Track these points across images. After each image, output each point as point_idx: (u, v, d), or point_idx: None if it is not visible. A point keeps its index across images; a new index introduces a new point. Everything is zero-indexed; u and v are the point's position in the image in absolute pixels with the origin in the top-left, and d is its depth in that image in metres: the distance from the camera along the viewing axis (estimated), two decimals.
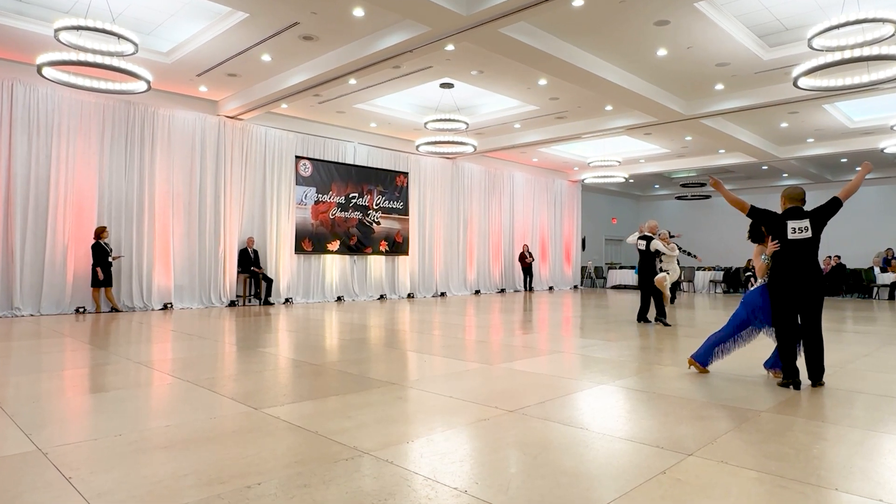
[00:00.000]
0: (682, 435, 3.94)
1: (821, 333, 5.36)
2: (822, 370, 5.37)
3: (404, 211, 18.65)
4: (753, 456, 3.55)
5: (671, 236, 11.69)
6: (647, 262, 10.58)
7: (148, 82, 10.14)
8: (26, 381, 5.68)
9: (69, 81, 10.17)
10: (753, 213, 5.64)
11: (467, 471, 3.29)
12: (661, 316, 10.45)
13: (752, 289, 5.90)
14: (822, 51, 8.99)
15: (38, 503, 2.87)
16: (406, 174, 18.73)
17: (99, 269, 12.15)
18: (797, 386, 5.29)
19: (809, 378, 5.41)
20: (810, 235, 5.29)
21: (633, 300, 16.47)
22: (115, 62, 9.21)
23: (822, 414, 4.56)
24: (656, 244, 10.48)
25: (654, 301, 10.54)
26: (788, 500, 2.92)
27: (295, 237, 15.96)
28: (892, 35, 8.33)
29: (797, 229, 5.32)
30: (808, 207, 5.48)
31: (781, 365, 5.46)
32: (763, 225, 5.66)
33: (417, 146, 15.69)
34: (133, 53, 9.26)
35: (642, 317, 10.72)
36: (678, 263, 10.48)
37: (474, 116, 15.82)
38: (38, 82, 11.78)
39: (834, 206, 5.33)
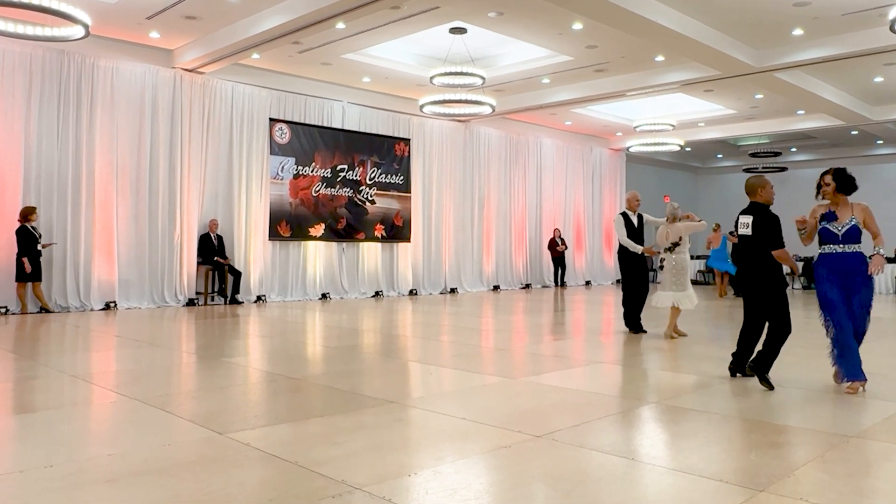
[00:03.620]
0: (752, 466, 3.92)
1: (761, 326, 6.35)
2: (760, 364, 6.09)
3: (405, 187, 18.62)
4: (841, 492, 3.52)
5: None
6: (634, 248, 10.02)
7: (86, 27, 10.11)
8: None
9: None
10: None
11: None
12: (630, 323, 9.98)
13: None
14: None
15: None
16: (407, 141, 18.69)
17: (26, 260, 12.15)
18: (732, 373, 6.52)
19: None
20: (750, 233, 6.31)
21: None
22: (44, 1, 9.19)
23: None
24: (616, 224, 10.03)
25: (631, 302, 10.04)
26: None
27: (269, 220, 15.95)
28: None
29: (743, 224, 6.39)
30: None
31: (735, 352, 6.56)
32: None
33: (421, 106, 15.61)
34: None
35: (631, 323, 10.07)
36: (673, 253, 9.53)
37: (492, 69, 15.73)
38: None
39: (771, 224, 6.26)
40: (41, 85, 12.83)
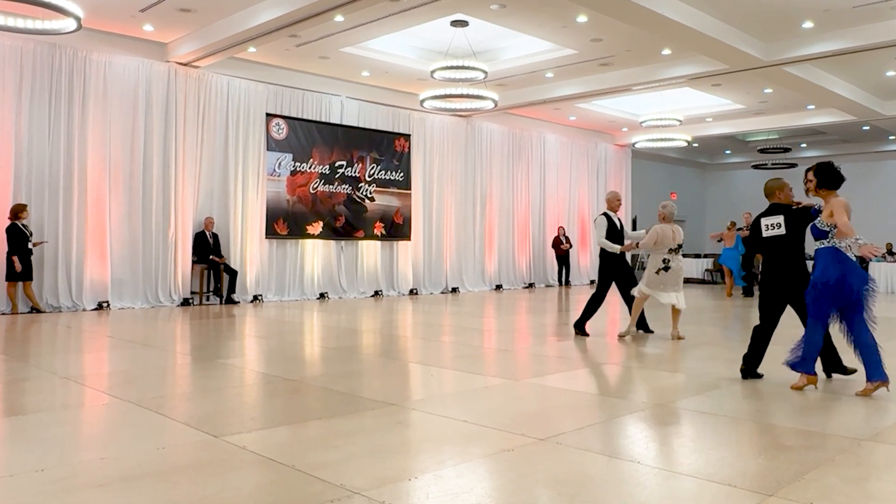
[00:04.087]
0: (761, 470, 3.93)
1: (774, 328, 6.49)
2: (835, 361, 6.37)
3: (405, 184, 18.62)
4: (852, 497, 3.53)
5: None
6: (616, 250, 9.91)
7: (78, 19, 10.10)
8: None
9: None
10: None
11: None
12: (640, 326, 9.84)
13: None
14: None
15: None
16: (408, 137, 18.67)
17: (16, 259, 12.16)
18: (744, 375, 6.49)
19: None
20: (784, 232, 6.35)
21: (696, 296, 16.41)
22: None
23: None
24: (597, 225, 9.90)
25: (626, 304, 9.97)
26: None
27: (266, 217, 15.95)
28: None
29: (769, 226, 6.47)
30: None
31: (747, 354, 6.56)
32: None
33: (422, 101, 15.59)
34: None
35: (639, 327, 9.92)
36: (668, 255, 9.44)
37: (494, 63, 15.72)
38: None
39: (805, 217, 6.28)
40: (32, 79, 12.81)
